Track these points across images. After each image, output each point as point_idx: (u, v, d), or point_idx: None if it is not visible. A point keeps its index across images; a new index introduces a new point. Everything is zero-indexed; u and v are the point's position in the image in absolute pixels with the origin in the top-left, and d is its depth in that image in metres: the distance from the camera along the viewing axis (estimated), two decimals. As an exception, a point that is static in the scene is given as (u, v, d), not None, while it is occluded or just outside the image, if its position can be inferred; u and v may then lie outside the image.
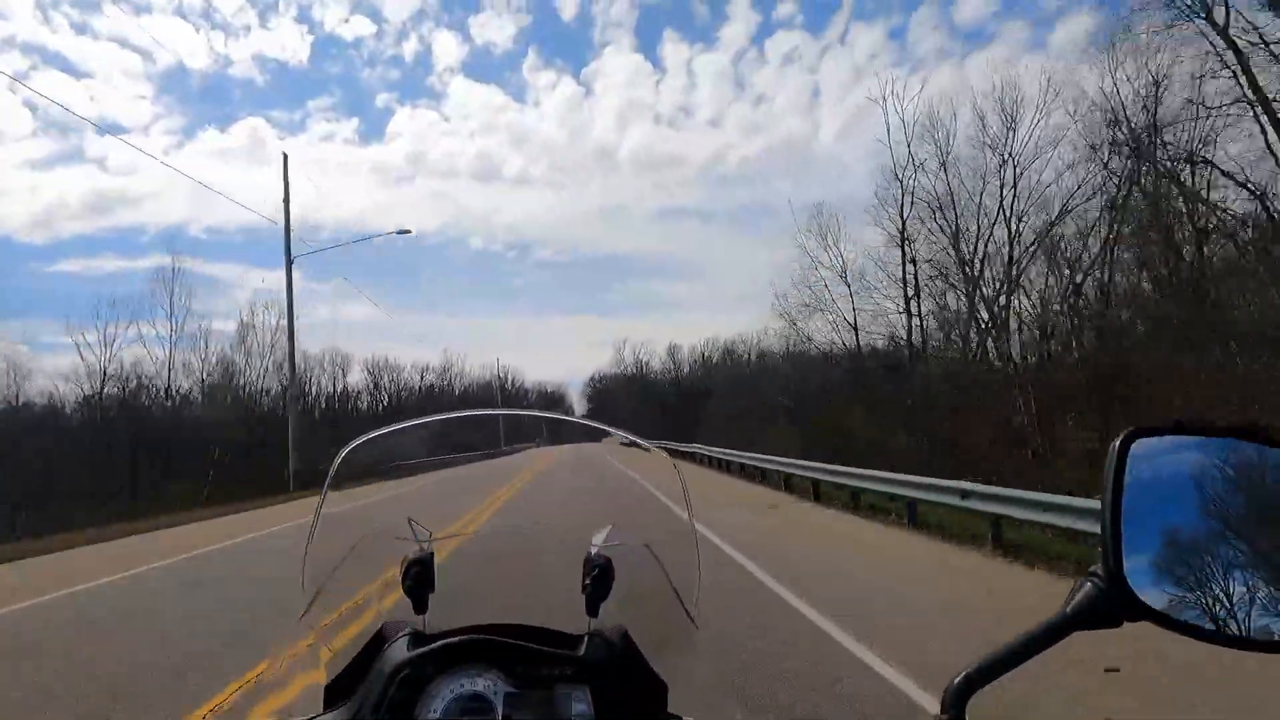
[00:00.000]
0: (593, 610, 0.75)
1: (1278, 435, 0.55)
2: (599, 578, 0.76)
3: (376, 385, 53.73)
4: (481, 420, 1.06)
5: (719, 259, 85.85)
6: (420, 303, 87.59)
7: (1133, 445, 0.56)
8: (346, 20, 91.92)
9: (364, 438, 0.87)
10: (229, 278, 77.09)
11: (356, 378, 51.31)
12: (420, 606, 0.73)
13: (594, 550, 0.79)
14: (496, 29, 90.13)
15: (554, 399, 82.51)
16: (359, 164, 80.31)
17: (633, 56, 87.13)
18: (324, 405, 46.97)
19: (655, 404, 63.81)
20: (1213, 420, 0.56)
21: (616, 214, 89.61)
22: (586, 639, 0.71)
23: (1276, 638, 0.52)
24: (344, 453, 0.84)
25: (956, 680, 0.57)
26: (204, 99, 70.35)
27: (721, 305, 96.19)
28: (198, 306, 32.82)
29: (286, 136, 71.53)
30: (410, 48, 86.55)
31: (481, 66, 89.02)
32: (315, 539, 0.80)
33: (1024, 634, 0.56)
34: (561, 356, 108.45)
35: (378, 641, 0.72)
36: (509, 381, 74.65)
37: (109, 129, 68.03)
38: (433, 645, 0.66)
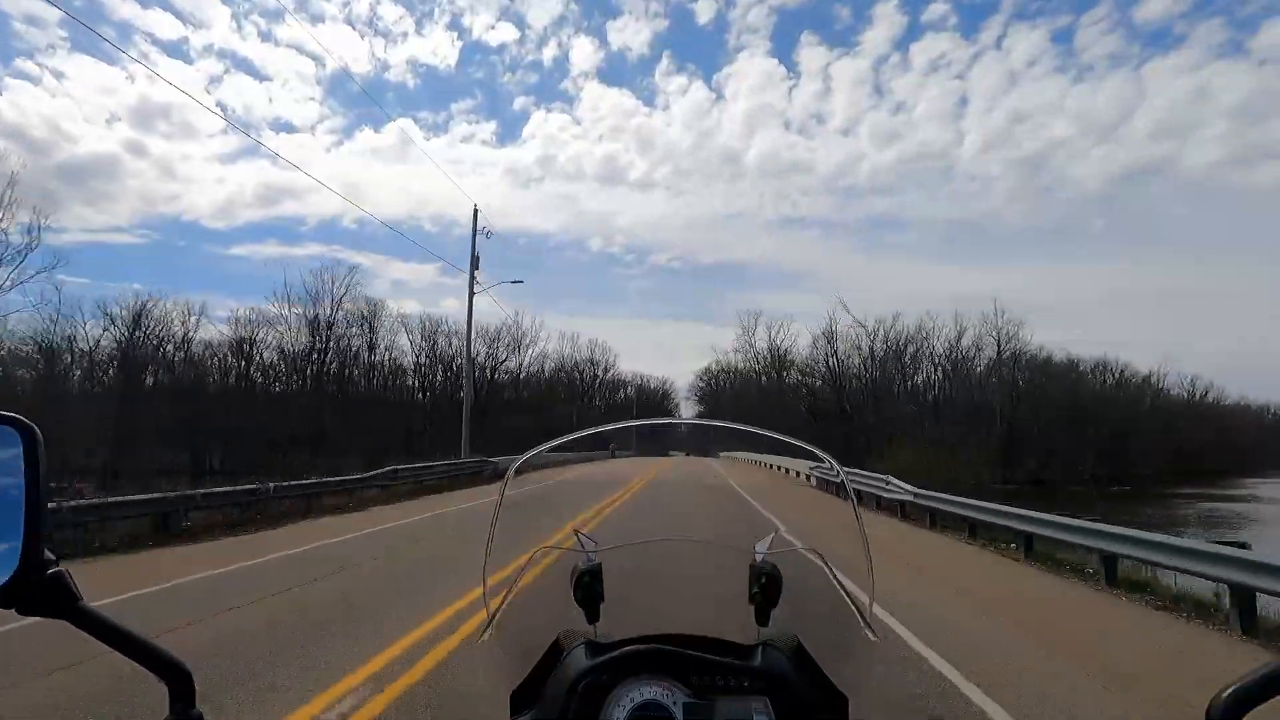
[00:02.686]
0: (762, 619, 0.76)
1: None
2: (767, 586, 0.76)
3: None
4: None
5: (842, 273, 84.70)
6: (536, 301, 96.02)
7: None
8: (493, 26, 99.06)
9: (530, 454, 0.94)
10: (372, 265, 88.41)
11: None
12: (593, 616, 0.77)
13: (759, 557, 0.79)
14: (633, 33, 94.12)
15: (654, 398, 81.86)
16: (494, 164, 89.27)
17: (767, 61, 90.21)
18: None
19: (797, 413, 53.70)
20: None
21: (735, 221, 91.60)
22: (761, 648, 0.72)
23: None
24: (513, 468, 0.91)
25: (1225, 695, 0.52)
26: (363, 100, 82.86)
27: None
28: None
29: (431, 136, 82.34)
30: (549, 53, 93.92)
31: (615, 71, 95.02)
32: (491, 553, 0.87)
33: None
34: (671, 360, 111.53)
35: (555, 651, 0.76)
36: (597, 367, 71.08)
37: (282, 128, 78.00)
38: (614, 654, 0.69)
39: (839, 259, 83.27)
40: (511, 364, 60.56)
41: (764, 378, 62.88)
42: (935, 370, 52.25)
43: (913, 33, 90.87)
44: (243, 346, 42.86)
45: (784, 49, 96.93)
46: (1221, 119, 75.19)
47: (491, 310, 79.99)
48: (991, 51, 75.40)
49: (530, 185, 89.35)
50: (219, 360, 42.81)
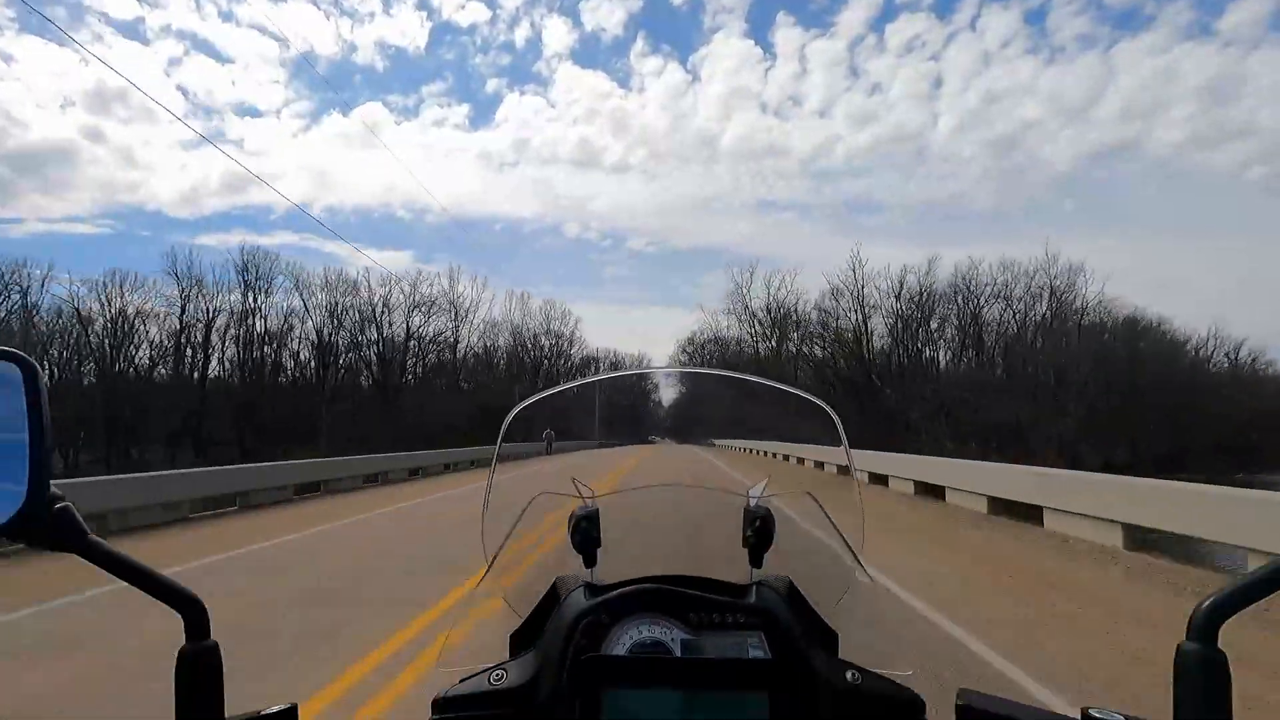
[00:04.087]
0: (756, 561, 0.89)
1: None
2: (760, 528, 0.89)
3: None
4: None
5: (818, 255, 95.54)
6: (513, 285, 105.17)
7: None
8: (463, 6, 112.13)
9: (524, 404, 1.06)
10: (343, 254, 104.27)
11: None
12: (590, 560, 0.90)
13: (753, 501, 0.93)
14: (607, 13, 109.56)
15: (628, 379, 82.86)
16: (467, 149, 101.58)
17: (743, 42, 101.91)
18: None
19: (808, 387, 55.76)
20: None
21: (712, 205, 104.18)
22: (755, 587, 0.85)
23: None
24: (510, 416, 1.03)
25: (1205, 604, 0.61)
26: (330, 85, 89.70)
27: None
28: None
29: (402, 120, 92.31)
30: (522, 33, 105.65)
31: (589, 52, 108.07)
32: (490, 503, 1.01)
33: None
34: (651, 348, 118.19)
35: (553, 594, 0.89)
36: (564, 341, 71.76)
37: (246, 112, 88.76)
38: (613, 593, 0.82)
39: (815, 242, 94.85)
40: (451, 335, 60.21)
41: (761, 343, 61.72)
42: (973, 331, 49.93)
43: (888, 14, 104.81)
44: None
45: (760, 30, 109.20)
46: (1188, 100, 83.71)
47: (429, 276, 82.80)
48: (966, 32, 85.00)
49: (504, 170, 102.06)
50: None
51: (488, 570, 0.95)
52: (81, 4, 67.96)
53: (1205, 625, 0.61)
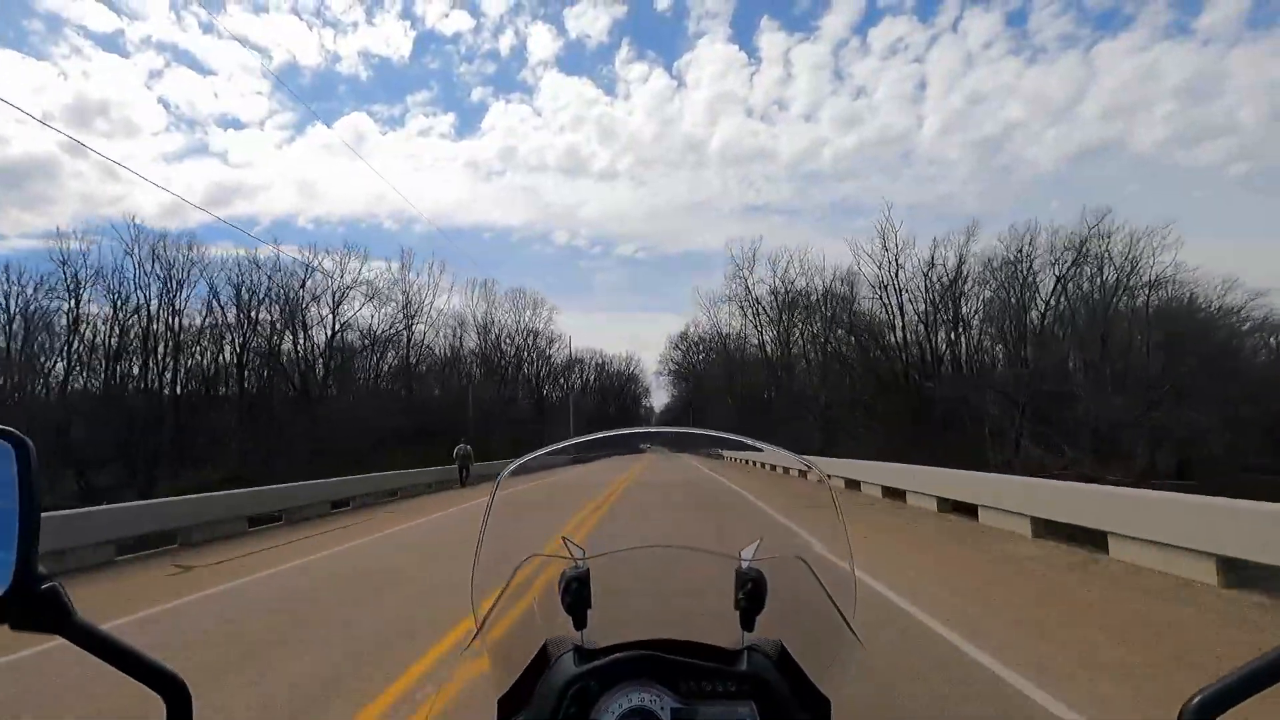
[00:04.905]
0: (748, 624, 0.96)
1: None
2: (752, 592, 0.96)
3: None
4: None
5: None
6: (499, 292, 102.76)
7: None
8: (447, 15, 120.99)
9: (520, 461, 1.15)
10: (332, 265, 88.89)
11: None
12: (580, 622, 0.97)
13: (744, 564, 1.00)
14: (591, 20, 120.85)
15: (618, 381, 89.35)
16: (454, 158, 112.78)
17: (728, 47, 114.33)
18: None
19: (834, 388, 47.27)
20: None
21: (700, 210, 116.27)
22: (746, 653, 0.92)
23: None
24: (503, 476, 1.11)
25: (1193, 701, 0.66)
26: (314, 95, 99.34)
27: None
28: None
29: (387, 130, 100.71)
30: (506, 41, 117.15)
31: (574, 59, 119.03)
32: (480, 560, 1.09)
33: (1270, 653, 0.65)
34: (642, 350, 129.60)
35: (543, 657, 0.95)
36: (541, 339, 69.71)
37: (230, 123, 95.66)
38: (602, 660, 0.89)
39: (803, 245, 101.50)
40: (402, 330, 55.54)
41: (766, 331, 58.45)
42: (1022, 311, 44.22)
43: (871, 17, 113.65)
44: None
45: (744, 34, 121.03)
46: (1168, 99, 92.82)
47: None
48: (949, 34, 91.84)
49: (491, 178, 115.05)
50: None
51: (478, 632, 1.03)
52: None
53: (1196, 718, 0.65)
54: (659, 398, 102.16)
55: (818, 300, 53.52)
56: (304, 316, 49.47)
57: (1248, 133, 79.12)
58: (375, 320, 53.29)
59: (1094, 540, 10.30)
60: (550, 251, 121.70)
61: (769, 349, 58.36)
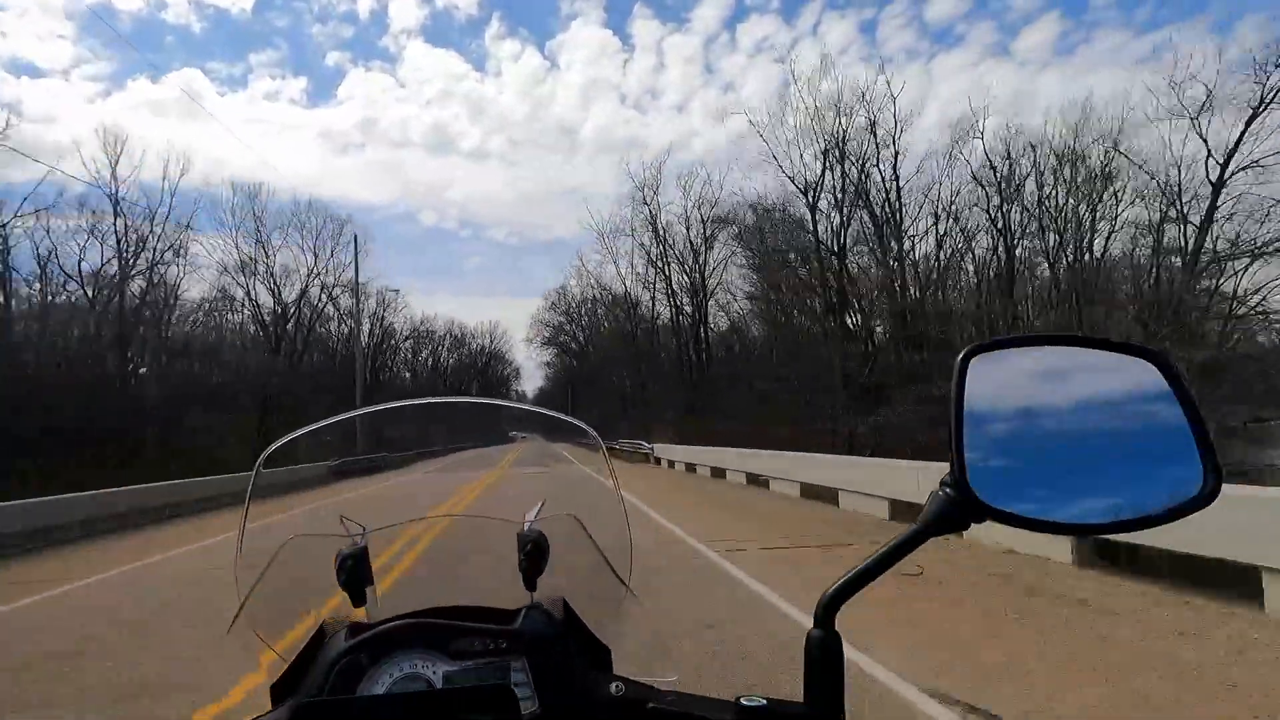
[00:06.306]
0: (530, 585, 1.01)
1: (1083, 338, 0.78)
2: (533, 553, 1.01)
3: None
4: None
5: None
6: (368, 277, 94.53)
7: (970, 361, 0.83)
8: None
9: (281, 442, 1.11)
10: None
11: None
12: (358, 600, 0.99)
13: (527, 526, 1.06)
14: None
15: (476, 362, 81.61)
16: (306, 126, 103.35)
17: (601, 32, 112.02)
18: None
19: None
20: (1034, 332, 0.79)
21: (572, 197, 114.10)
22: (523, 612, 0.97)
23: (1089, 522, 0.81)
24: (263, 458, 1.08)
25: (827, 594, 0.81)
26: (136, 45, 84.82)
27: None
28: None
29: (226, 91, 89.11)
30: (365, 4, 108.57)
31: (441, 30, 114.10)
32: (244, 545, 1.07)
33: (886, 546, 0.80)
34: (514, 330, 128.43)
35: (319, 638, 0.95)
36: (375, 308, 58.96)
37: (23, 70, 79.12)
38: (369, 633, 0.91)
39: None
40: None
41: (677, 276, 47.46)
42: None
43: (739, 13, 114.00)
44: None
45: (618, 20, 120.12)
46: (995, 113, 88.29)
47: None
48: (809, 38, 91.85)
49: (350, 151, 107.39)
50: None
51: (238, 614, 0.99)
52: None
53: (824, 613, 0.80)
54: (533, 380, 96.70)
55: (747, 228, 42.11)
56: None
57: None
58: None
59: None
60: (417, 232, 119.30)
61: (686, 315, 48.14)
